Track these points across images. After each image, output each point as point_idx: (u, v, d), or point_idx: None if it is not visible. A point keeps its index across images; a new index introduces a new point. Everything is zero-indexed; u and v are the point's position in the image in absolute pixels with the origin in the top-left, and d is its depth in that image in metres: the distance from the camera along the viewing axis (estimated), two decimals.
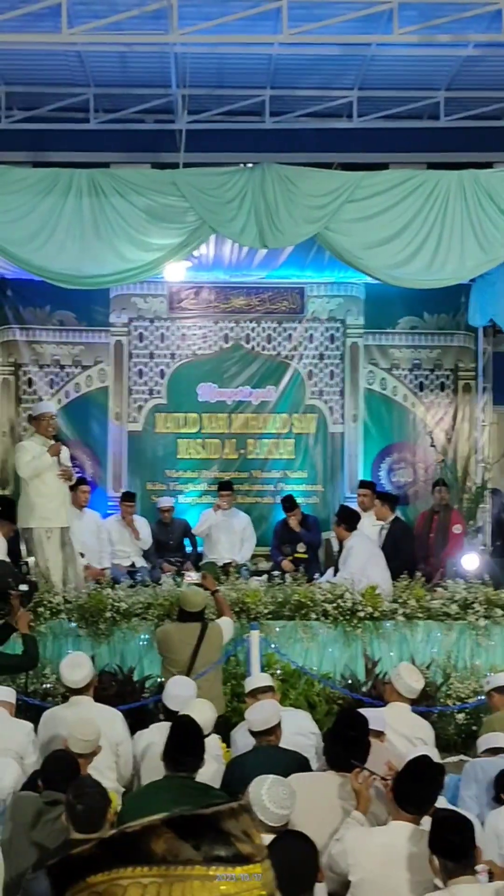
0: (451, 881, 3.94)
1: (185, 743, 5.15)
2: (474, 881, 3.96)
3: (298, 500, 11.83)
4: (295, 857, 3.82)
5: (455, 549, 10.68)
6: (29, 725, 6.57)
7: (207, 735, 6.08)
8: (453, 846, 3.96)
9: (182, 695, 6.29)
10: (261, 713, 5.82)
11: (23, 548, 9.40)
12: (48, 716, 6.69)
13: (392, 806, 4.58)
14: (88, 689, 6.67)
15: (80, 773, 5.21)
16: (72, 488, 9.95)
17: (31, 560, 9.12)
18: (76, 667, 6.68)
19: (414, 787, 4.46)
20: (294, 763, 5.51)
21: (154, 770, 5.53)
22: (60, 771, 5.12)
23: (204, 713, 6.01)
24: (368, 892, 4.29)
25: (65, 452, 9.71)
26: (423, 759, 4.78)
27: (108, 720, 6.44)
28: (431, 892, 4.04)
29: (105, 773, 6.09)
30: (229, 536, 11.68)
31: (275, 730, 5.74)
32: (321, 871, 3.88)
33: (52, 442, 9.48)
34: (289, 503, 11.59)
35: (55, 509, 9.41)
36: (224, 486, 11.84)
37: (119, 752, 6.44)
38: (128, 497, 11.78)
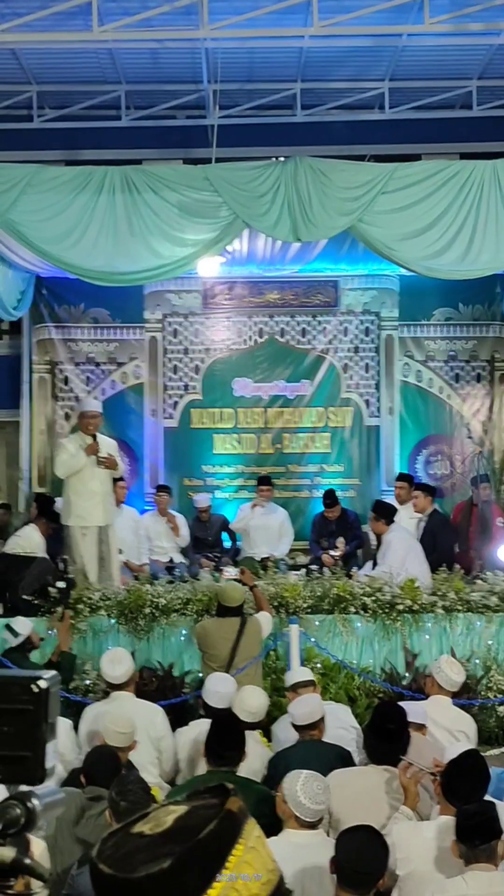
0: (468, 868, 3.94)
1: (227, 737, 5.15)
2: (492, 869, 3.95)
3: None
4: (365, 850, 3.84)
5: (497, 542, 10.61)
6: (68, 723, 6.60)
7: (259, 721, 6.10)
8: (474, 834, 3.96)
9: (222, 691, 6.30)
10: (305, 707, 5.81)
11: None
12: (89, 711, 6.71)
13: (440, 800, 4.57)
14: (129, 684, 6.69)
15: (121, 767, 5.23)
16: None
17: (68, 557, 9.18)
18: (116, 662, 6.71)
19: (463, 782, 4.44)
20: (337, 757, 5.51)
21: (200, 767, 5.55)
22: (102, 766, 5.14)
23: (257, 699, 6.03)
24: (417, 886, 4.28)
25: (108, 444, 9.69)
26: (472, 754, 4.76)
27: (149, 715, 6.46)
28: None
29: (147, 768, 6.11)
30: (267, 532, 11.65)
31: (318, 724, 5.73)
32: (385, 877, 3.90)
33: (91, 440, 9.46)
34: (329, 499, 11.52)
35: (91, 508, 9.41)
36: (263, 480, 11.81)
37: (160, 748, 6.46)
38: (161, 488, 11.82)
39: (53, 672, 1.63)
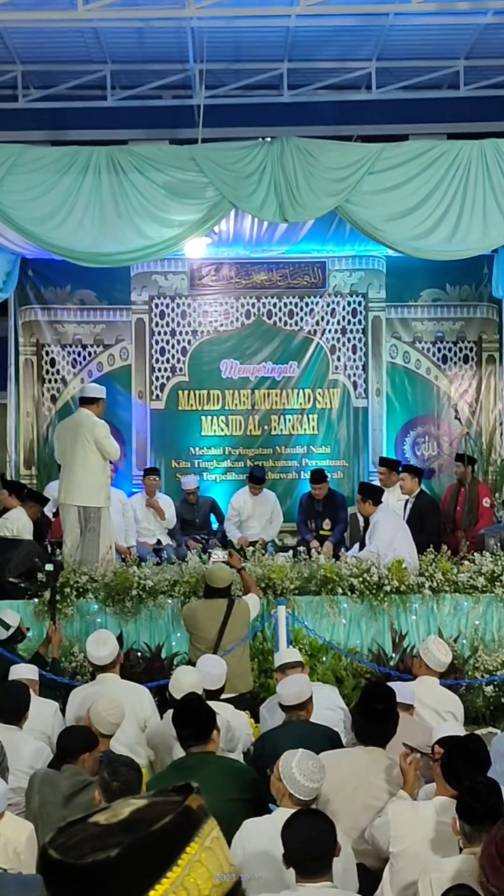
0: (469, 846, 3.95)
1: (184, 717, 5.13)
2: None
3: None
4: (313, 834, 3.81)
5: (484, 523, 10.63)
6: (55, 704, 6.61)
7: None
8: (475, 811, 3.97)
9: (213, 672, 6.28)
10: (293, 687, 5.81)
11: (71, 526, 9.32)
12: (76, 694, 6.70)
13: (438, 781, 4.58)
14: (114, 665, 6.68)
15: (98, 745, 5.25)
16: None
17: (68, 539, 9.15)
18: (101, 644, 6.70)
19: (464, 766, 4.43)
20: (325, 738, 5.51)
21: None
22: (78, 741, 5.18)
23: (188, 677, 5.97)
24: (409, 864, 4.30)
25: None
26: (474, 738, 4.77)
27: (135, 696, 6.45)
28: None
29: (135, 749, 6.12)
30: (260, 519, 11.67)
31: (306, 704, 5.73)
32: (339, 845, 3.87)
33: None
34: (318, 475, 11.51)
35: (110, 487, 9.57)
36: (258, 480, 11.69)
37: (146, 729, 6.44)
38: (150, 471, 11.79)
39: None
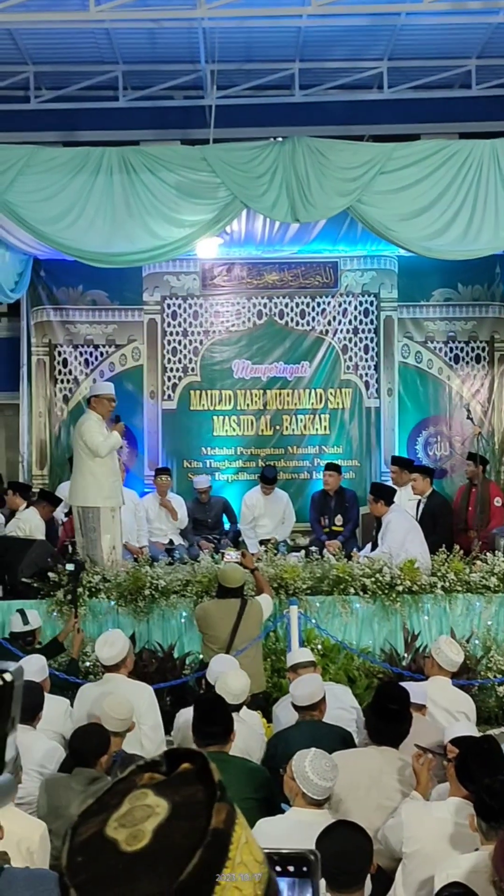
0: (486, 844, 3.94)
1: (210, 715, 5.14)
2: None
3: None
4: (349, 847, 3.80)
5: (496, 522, 10.61)
6: (66, 702, 6.60)
7: (242, 703, 6.07)
8: (491, 809, 3.97)
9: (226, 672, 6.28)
10: (306, 688, 5.81)
11: (76, 526, 9.33)
12: (83, 693, 6.70)
13: (452, 782, 4.58)
14: (121, 666, 6.66)
15: (109, 747, 5.24)
16: None
17: (80, 540, 9.17)
18: (108, 644, 6.69)
19: (479, 767, 4.43)
20: (338, 738, 5.51)
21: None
22: (90, 745, 5.16)
23: (238, 680, 6.00)
24: (422, 865, 4.29)
25: None
26: (489, 739, 4.77)
27: (136, 694, 6.42)
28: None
29: (145, 746, 6.12)
30: (272, 518, 11.67)
31: (319, 704, 5.73)
32: (373, 862, 3.86)
33: (115, 423, 9.52)
34: (332, 464, 11.56)
35: (117, 488, 9.49)
36: (267, 480, 11.71)
37: (142, 724, 6.39)
38: (162, 471, 11.79)
39: (18, 664, 1.52)
